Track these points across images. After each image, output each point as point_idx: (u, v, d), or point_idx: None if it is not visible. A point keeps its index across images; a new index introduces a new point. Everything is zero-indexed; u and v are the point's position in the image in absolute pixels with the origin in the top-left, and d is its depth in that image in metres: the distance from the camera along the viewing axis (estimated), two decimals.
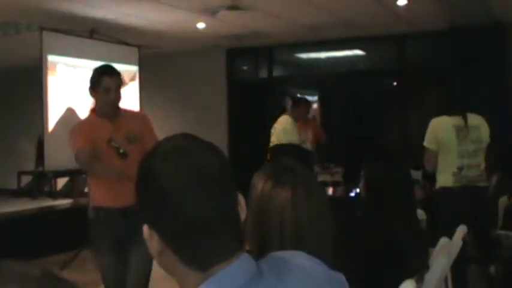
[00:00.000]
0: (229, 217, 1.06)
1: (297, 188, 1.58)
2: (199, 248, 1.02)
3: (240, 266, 1.04)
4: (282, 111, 7.96)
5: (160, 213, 1.03)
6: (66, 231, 7.35)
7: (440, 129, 4.60)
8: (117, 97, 3.71)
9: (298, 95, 10.46)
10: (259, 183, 1.61)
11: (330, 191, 6.71)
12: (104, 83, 3.65)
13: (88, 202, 3.90)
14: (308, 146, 7.31)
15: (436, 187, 4.68)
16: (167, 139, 1.12)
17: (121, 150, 3.65)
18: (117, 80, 3.71)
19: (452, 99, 4.81)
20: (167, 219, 1.02)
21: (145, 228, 1.05)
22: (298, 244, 1.44)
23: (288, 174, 1.62)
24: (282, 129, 6.63)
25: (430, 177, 4.89)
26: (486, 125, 4.67)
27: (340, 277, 1.26)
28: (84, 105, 7.36)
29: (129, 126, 3.80)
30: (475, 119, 4.62)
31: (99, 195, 3.73)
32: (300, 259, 1.20)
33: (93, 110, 3.85)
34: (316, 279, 1.17)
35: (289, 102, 7.98)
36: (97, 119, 3.77)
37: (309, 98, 10.10)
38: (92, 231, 3.73)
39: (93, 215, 3.72)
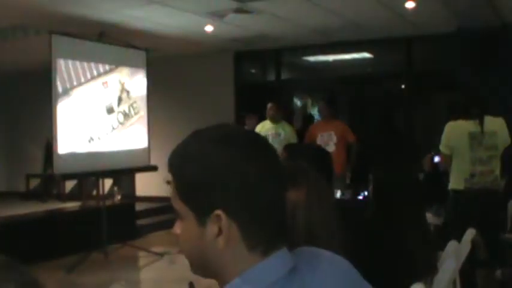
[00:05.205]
0: (284, 207, 1.10)
1: (310, 189, 1.58)
2: (267, 233, 1.05)
3: (282, 256, 1.07)
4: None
5: (240, 196, 1.03)
6: (74, 234, 7.39)
7: (454, 135, 4.50)
8: None
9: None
10: None
11: (338, 194, 6.68)
12: None
13: None
14: (331, 147, 7.23)
15: (449, 188, 4.64)
16: (225, 126, 1.12)
17: None
18: None
19: (469, 102, 4.58)
20: (246, 202, 1.03)
21: (218, 210, 1.03)
22: (310, 245, 1.43)
23: (301, 175, 1.62)
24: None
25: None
26: (504, 128, 4.54)
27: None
28: (93, 108, 7.40)
29: None
30: (492, 124, 4.47)
31: None
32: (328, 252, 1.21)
33: None
34: (347, 272, 1.19)
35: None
36: None
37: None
38: None
39: None
